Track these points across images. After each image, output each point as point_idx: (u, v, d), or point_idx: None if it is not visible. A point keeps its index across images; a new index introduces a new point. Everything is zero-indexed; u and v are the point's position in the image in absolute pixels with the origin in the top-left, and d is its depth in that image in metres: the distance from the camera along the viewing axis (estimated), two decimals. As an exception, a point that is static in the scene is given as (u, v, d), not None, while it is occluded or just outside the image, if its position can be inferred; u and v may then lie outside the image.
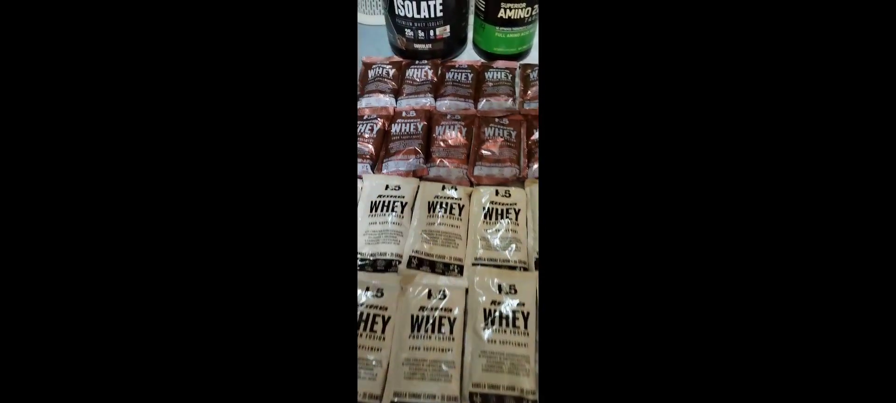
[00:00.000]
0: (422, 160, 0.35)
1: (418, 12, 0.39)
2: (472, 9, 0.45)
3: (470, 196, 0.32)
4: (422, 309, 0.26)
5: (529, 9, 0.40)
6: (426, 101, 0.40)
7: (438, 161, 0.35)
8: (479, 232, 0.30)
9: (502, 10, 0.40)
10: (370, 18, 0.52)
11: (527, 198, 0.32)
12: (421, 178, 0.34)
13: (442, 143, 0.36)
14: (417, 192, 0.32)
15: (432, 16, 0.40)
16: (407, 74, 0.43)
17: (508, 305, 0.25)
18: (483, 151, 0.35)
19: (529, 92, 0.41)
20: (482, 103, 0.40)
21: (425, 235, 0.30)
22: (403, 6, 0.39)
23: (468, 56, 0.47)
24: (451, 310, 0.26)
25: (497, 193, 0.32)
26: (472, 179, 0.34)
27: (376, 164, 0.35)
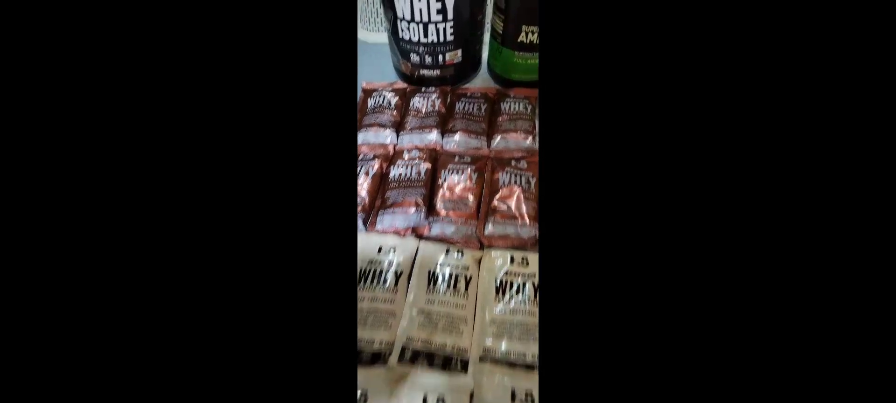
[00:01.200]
0: (423, 214, 0.29)
1: (425, 36, 0.34)
2: (487, 29, 0.40)
3: (480, 262, 0.27)
4: (414, 423, 0.20)
5: (555, 33, 0.34)
6: (432, 138, 0.35)
7: (443, 214, 0.29)
8: (490, 314, 0.24)
9: (523, 34, 0.34)
10: (372, 36, 0.47)
11: (549, 269, 0.26)
12: (421, 237, 0.29)
13: (448, 192, 0.30)
14: (416, 257, 0.27)
15: (441, 40, 0.35)
16: (411, 104, 0.38)
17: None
18: (497, 204, 0.30)
19: (552, 127, 0.35)
20: (496, 140, 0.35)
21: (423, 317, 0.24)
22: (408, 29, 0.34)
23: (482, 80, 0.42)
24: (450, 428, 0.20)
25: (512, 261, 0.27)
26: (483, 240, 0.28)
27: (369, 218, 0.30)
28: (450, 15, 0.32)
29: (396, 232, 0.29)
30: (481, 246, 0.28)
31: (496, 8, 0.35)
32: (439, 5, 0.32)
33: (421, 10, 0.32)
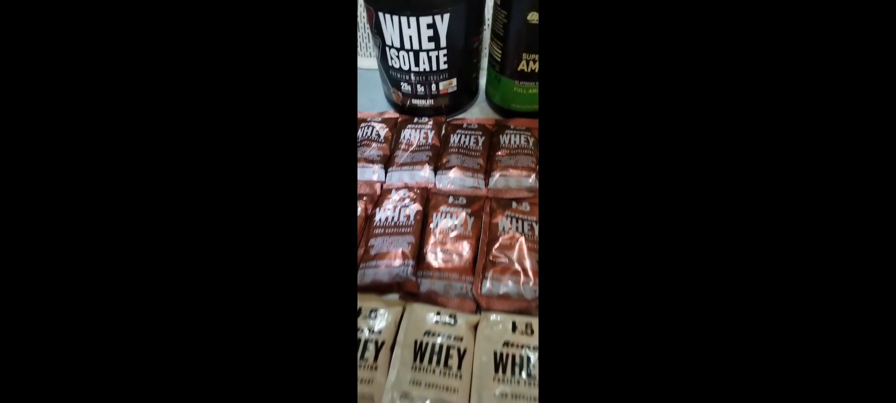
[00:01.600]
0: (411, 267, 0.25)
1: (416, 64, 0.31)
2: (484, 54, 0.37)
3: (476, 329, 0.23)
4: None
5: (559, 61, 0.31)
6: (423, 175, 0.31)
7: (434, 267, 0.26)
8: (487, 398, 0.20)
9: (524, 62, 0.31)
10: (363, 61, 0.44)
11: (557, 339, 0.22)
12: (409, 295, 0.25)
13: (440, 240, 0.27)
14: (401, 321, 0.23)
15: (434, 68, 0.32)
16: (402, 136, 0.34)
17: None
18: (496, 255, 0.26)
19: (557, 163, 0.31)
20: (495, 178, 0.31)
21: (405, 399, 0.20)
22: (398, 56, 0.31)
23: (480, 108, 0.39)
24: None
25: (514, 328, 0.22)
26: (480, 301, 0.24)
27: (349, 271, 0.26)
28: (443, 42, 0.30)
29: (380, 288, 0.25)
30: (478, 309, 0.24)
31: (494, 35, 0.32)
32: (431, 32, 0.29)
33: (411, 37, 0.29)
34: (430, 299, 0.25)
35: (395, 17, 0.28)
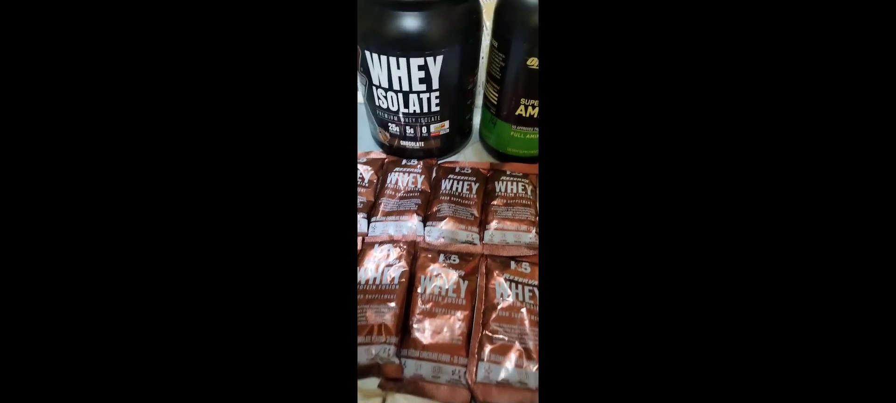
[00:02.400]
0: (395, 345, 0.21)
1: (406, 106, 0.28)
2: (479, 92, 0.35)
3: (470, 428, 0.19)
4: None
5: (560, 107, 0.29)
6: (411, 227, 0.28)
7: (422, 344, 0.22)
8: None
9: (522, 107, 0.29)
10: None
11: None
12: (390, 381, 0.21)
13: (429, 308, 0.23)
14: (380, 420, 0.19)
15: (425, 110, 0.29)
16: (389, 179, 0.31)
17: None
18: (493, 330, 0.22)
19: (557, 214, 0.29)
20: (490, 232, 0.28)
21: None
22: (386, 97, 0.28)
23: (474, 149, 0.36)
24: None
25: (517, 429, 0.19)
26: (475, 393, 0.21)
27: (320, 350, 0.22)
28: (435, 84, 0.27)
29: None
30: (472, 400, 0.21)
31: (490, 77, 0.30)
32: (422, 74, 0.26)
33: (400, 78, 0.26)
34: (416, 386, 0.21)
35: (384, 57, 0.25)
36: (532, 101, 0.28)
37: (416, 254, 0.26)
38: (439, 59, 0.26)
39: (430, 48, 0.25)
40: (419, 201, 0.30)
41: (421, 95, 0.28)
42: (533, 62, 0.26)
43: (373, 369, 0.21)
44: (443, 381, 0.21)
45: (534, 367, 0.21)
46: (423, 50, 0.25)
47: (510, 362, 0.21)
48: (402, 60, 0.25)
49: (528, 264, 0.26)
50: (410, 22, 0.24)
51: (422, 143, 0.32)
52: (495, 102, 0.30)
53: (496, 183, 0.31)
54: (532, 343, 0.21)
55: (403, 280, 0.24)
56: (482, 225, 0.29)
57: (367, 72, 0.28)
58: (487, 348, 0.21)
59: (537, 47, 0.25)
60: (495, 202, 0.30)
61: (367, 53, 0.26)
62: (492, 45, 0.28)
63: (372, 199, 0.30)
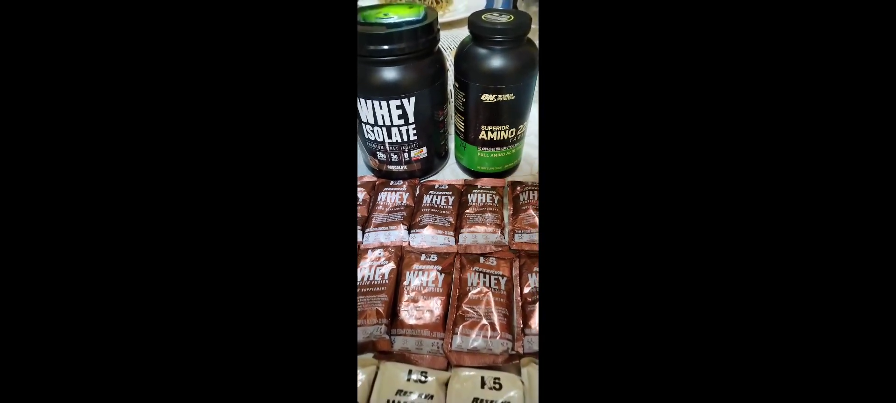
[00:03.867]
0: (386, 326, 0.27)
1: (389, 137, 0.35)
2: (451, 122, 0.42)
3: (446, 385, 0.24)
4: None
5: (513, 130, 0.36)
6: (398, 235, 0.34)
7: (408, 324, 0.27)
8: (458, 458, 0.21)
9: (484, 132, 0.36)
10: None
11: (524, 390, 0.23)
12: (382, 354, 0.26)
13: (413, 297, 0.28)
14: (374, 383, 0.24)
15: (405, 139, 0.36)
16: (379, 198, 0.37)
17: None
18: (465, 310, 0.27)
19: (521, 216, 0.34)
20: (464, 235, 0.34)
21: (378, 469, 0.20)
22: (373, 131, 0.35)
23: (451, 169, 0.43)
24: None
25: (483, 384, 0.24)
26: (450, 357, 0.26)
27: (325, 334, 0.27)
28: (411, 118, 0.34)
29: (354, 352, 0.26)
30: (448, 366, 0.26)
31: (456, 110, 0.37)
32: (400, 112, 0.33)
33: (383, 116, 0.33)
34: (403, 357, 0.26)
35: (369, 101, 0.32)
36: (490, 127, 0.35)
37: (402, 256, 0.32)
38: (412, 99, 0.33)
39: (404, 92, 0.32)
40: (404, 214, 0.36)
41: (400, 128, 0.34)
42: (486, 98, 0.33)
43: (368, 345, 0.26)
44: (425, 352, 0.26)
45: (497, 337, 0.26)
46: (398, 94, 0.32)
47: (478, 334, 0.26)
48: (383, 102, 0.32)
49: (494, 259, 0.31)
50: (388, 73, 0.31)
51: (405, 166, 0.38)
52: (463, 129, 0.37)
53: (469, 195, 0.37)
54: (495, 319, 0.27)
55: (392, 276, 0.30)
56: (457, 230, 0.34)
57: (356, 113, 0.34)
58: (460, 325, 0.27)
59: (489, 86, 0.32)
60: (468, 211, 0.36)
61: (357, 99, 0.33)
62: (455, 85, 0.35)
63: (366, 214, 0.36)
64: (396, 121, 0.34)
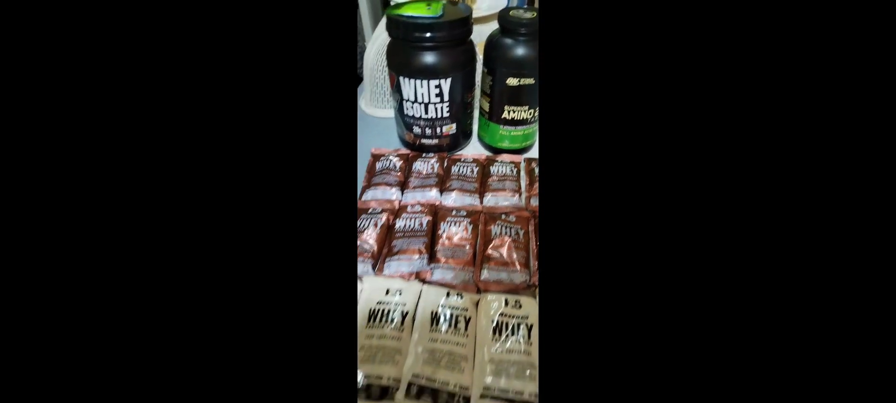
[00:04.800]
0: (425, 260, 0.33)
1: (426, 113, 0.41)
2: (476, 107, 0.48)
3: (477, 305, 0.30)
4: (420, 459, 0.21)
5: (532, 111, 0.42)
6: (432, 195, 0.40)
7: (443, 261, 0.33)
8: (488, 353, 0.27)
9: (506, 112, 0.42)
10: (379, 111, 0.55)
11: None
12: (424, 282, 0.32)
13: (447, 241, 0.34)
14: (419, 298, 0.30)
15: (439, 116, 0.42)
16: (414, 167, 0.43)
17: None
18: (490, 252, 0.33)
19: (535, 186, 0.40)
20: (487, 198, 0.40)
21: (427, 355, 0.26)
22: (412, 107, 0.41)
23: (474, 148, 0.49)
24: (455, 463, 0.21)
25: (506, 303, 0.29)
26: (479, 285, 0.32)
27: (378, 264, 0.33)
28: (446, 97, 0.40)
29: (402, 277, 0.32)
30: (478, 291, 0.32)
31: (483, 92, 0.43)
32: (437, 90, 0.39)
33: (423, 94, 0.39)
34: (441, 283, 0.32)
35: (412, 80, 0.39)
36: (513, 108, 0.41)
37: (436, 211, 0.38)
38: (448, 80, 0.39)
39: (442, 74, 0.38)
40: (436, 180, 0.42)
41: (436, 105, 0.40)
42: (511, 81, 0.39)
43: (411, 276, 0.32)
44: (458, 282, 0.32)
45: (517, 271, 0.32)
46: (437, 75, 0.38)
47: (502, 269, 0.32)
48: (424, 82, 0.38)
49: (513, 216, 0.37)
50: (429, 58, 0.37)
51: (436, 141, 0.44)
52: (488, 110, 0.43)
53: (491, 167, 0.43)
54: (516, 258, 0.33)
55: (429, 225, 0.36)
56: (481, 194, 0.40)
57: (399, 92, 0.41)
58: (487, 263, 0.33)
59: (514, 71, 0.38)
60: (491, 179, 0.42)
61: (401, 78, 0.39)
62: (484, 71, 0.41)
63: (403, 179, 0.42)
64: (433, 100, 0.40)
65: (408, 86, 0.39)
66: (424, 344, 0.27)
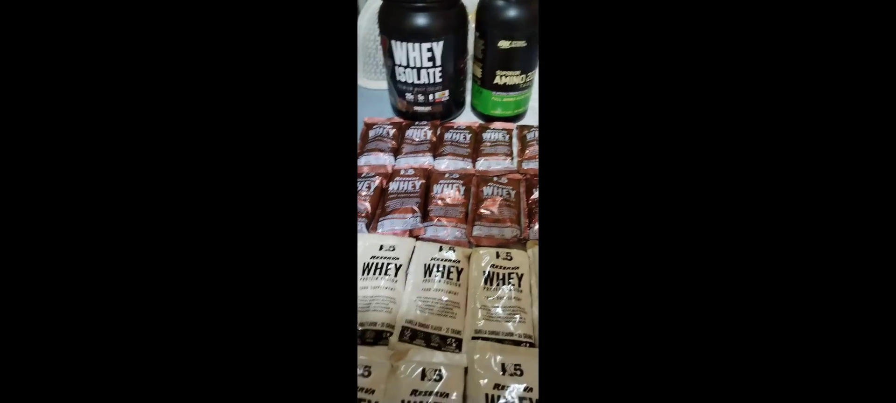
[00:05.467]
0: (419, 219, 0.33)
1: (418, 78, 0.41)
2: (469, 75, 0.48)
3: (469, 258, 0.31)
4: (414, 392, 0.22)
5: (524, 76, 0.42)
6: (425, 161, 0.40)
7: (436, 220, 0.33)
8: (480, 301, 0.28)
9: (498, 77, 0.42)
10: (373, 83, 0.55)
11: (529, 262, 0.30)
12: (417, 239, 0.33)
13: (440, 201, 0.35)
14: (413, 253, 0.31)
15: (431, 81, 0.42)
16: (407, 134, 0.44)
17: (514, 391, 0.22)
18: (482, 211, 0.34)
19: (527, 151, 0.41)
20: (480, 162, 0.40)
21: (420, 302, 0.27)
22: (404, 73, 0.41)
23: (466, 118, 0.49)
24: (447, 396, 0.22)
25: (498, 255, 0.30)
26: (472, 240, 0.32)
27: (371, 223, 0.34)
28: (438, 61, 0.40)
29: (395, 234, 0.33)
30: (470, 246, 0.32)
31: (476, 58, 0.43)
32: (429, 54, 0.39)
33: (415, 58, 0.39)
34: (434, 239, 0.32)
35: (404, 44, 0.38)
36: (505, 73, 0.41)
37: (429, 175, 0.38)
38: (440, 44, 0.39)
39: (434, 37, 0.38)
40: (430, 146, 0.42)
41: (428, 70, 0.40)
42: (503, 44, 0.39)
43: (407, 233, 0.33)
44: (450, 238, 0.33)
45: (508, 227, 0.32)
46: (429, 38, 0.38)
47: (493, 225, 0.33)
48: (416, 45, 0.38)
49: (505, 178, 0.38)
50: (421, 19, 0.37)
51: (429, 108, 0.44)
52: (480, 76, 0.43)
53: (483, 134, 0.44)
54: (506, 216, 0.33)
55: (422, 187, 0.36)
56: (474, 159, 0.41)
57: (391, 57, 0.40)
58: (479, 220, 0.33)
59: (505, 33, 0.38)
60: (483, 145, 0.42)
61: (393, 42, 0.39)
62: (476, 36, 0.41)
63: (397, 146, 0.42)
64: (425, 64, 0.40)
65: (400, 50, 0.39)
66: (418, 293, 0.28)
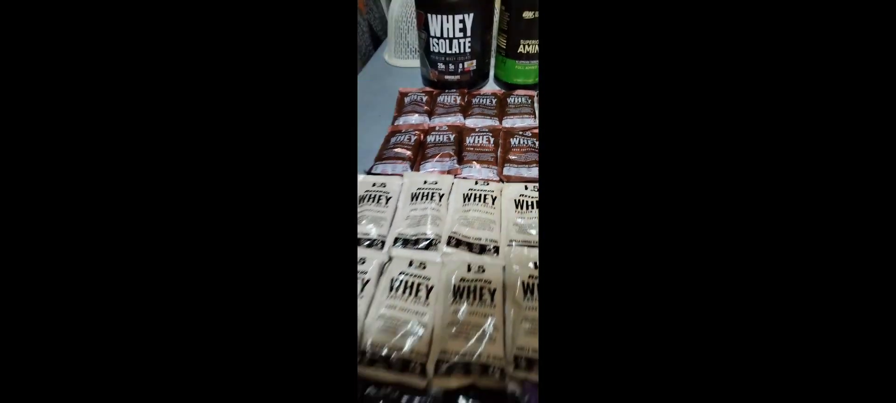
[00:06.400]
0: (456, 161, 0.38)
1: (450, 48, 0.47)
2: (494, 50, 0.53)
3: (502, 190, 0.35)
4: (463, 279, 0.27)
5: (545, 44, 0.47)
6: (457, 119, 0.45)
7: (471, 163, 0.38)
8: (512, 220, 0.32)
9: (522, 46, 0.47)
10: (402, 61, 0.60)
11: (554, 192, 0.34)
12: (455, 177, 0.38)
13: (473, 149, 0.40)
14: (452, 187, 0.36)
15: (461, 51, 0.47)
16: (438, 100, 0.49)
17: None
18: (511, 156, 0.39)
19: (548, 113, 0.46)
20: (506, 121, 0.45)
21: (462, 220, 0.32)
22: (437, 44, 0.47)
23: (490, 88, 0.54)
24: (490, 282, 0.27)
25: (526, 188, 0.35)
26: (502, 178, 0.37)
27: (414, 165, 0.39)
28: (468, 32, 0.45)
29: (436, 173, 0.38)
30: (501, 181, 0.37)
31: (500, 30, 0.48)
32: (461, 25, 0.45)
33: (448, 29, 0.45)
34: (471, 179, 0.37)
35: (439, 16, 0.44)
36: (528, 42, 0.46)
37: (462, 130, 0.43)
38: (471, 15, 0.44)
39: (464, 9, 0.43)
40: (459, 109, 0.47)
41: (459, 40, 0.46)
42: (527, 14, 0.44)
43: (446, 172, 0.38)
44: (483, 177, 0.37)
45: (533, 167, 0.37)
46: (461, 10, 0.43)
47: (522, 166, 0.37)
48: (450, 17, 0.44)
49: (530, 132, 0.42)
50: (454, -6, 0.43)
51: (458, 77, 0.50)
52: (504, 46, 0.48)
53: (508, 99, 0.49)
54: (533, 158, 0.38)
55: (456, 139, 0.41)
56: (500, 118, 0.46)
57: (426, 30, 0.46)
58: (507, 162, 0.38)
59: (528, 4, 0.43)
60: (508, 108, 0.47)
61: (429, 16, 0.44)
62: (502, 9, 0.46)
63: (430, 109, 0.48)
64: (457, 34, 0.45)
65: (435, 22, 0.45)
66: (460, 214, 0.32)
